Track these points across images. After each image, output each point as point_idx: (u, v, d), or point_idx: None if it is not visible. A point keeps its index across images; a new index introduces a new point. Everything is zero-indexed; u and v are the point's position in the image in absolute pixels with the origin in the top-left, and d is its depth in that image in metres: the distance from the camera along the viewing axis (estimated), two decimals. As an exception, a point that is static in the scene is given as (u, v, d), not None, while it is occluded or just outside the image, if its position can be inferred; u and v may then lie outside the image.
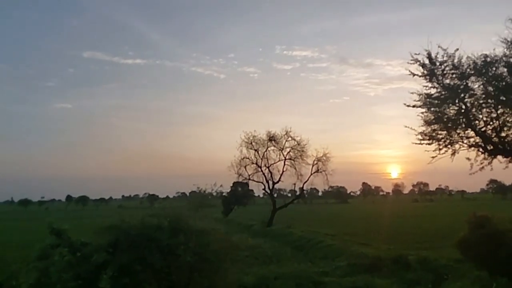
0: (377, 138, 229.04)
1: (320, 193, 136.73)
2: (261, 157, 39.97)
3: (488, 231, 12.68)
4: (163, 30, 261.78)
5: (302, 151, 38.92)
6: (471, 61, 13.83)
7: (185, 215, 10.20)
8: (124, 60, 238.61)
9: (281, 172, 40.04)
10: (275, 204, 40.67)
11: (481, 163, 15.03)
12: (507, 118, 14.34)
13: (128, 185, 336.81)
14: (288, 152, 39.46)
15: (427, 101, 14.69)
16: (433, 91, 14.59)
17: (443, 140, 14.90)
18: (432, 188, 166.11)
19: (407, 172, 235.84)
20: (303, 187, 42.03)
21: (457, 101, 14.43)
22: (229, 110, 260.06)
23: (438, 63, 14.19)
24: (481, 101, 14.34)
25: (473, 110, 14.54)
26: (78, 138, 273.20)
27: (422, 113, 15.01)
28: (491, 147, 14.65)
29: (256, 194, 70.19)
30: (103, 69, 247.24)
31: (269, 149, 39.87)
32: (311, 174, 39.24)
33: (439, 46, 13.99)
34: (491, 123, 14.54)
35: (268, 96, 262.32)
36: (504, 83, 13.49)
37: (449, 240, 15.66)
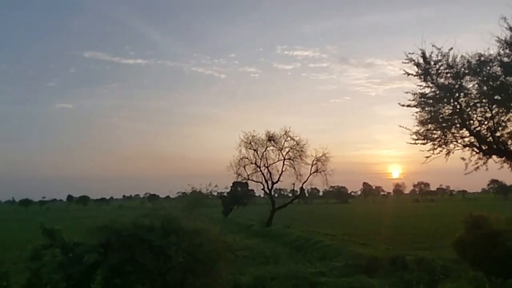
0: (378, 138, 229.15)
1: (320, 193, 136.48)
2: (260, 157, 39.98)
3: (484, 231, 12.65)
4: (164, 30, 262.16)
5: (301, 151, 38.93)
6: (465, 61, 13.81)
7: (177, 215, 10.17)
8: (125, 60, 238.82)
9: (280, 172, 40.10)
10: (274, 204, 40.64)
11: (476, 163, 15.02)
12: (502, 118, 14.30)
13: (129, 185, 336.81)
14: (287, 152, 39.48)
15: (422, 100, 14.67)
16: (427, 90, 14.60)
17: (437, 140, 14.87)
18: (433, 188, 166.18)
19: (408, 172, 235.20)
20: (302, 187, 42.05)
21: (451, 100, 14.39)
22: (229, 110, 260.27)
23: (432, 63, 14.18)
24: (475, 101, 14.31)
25: (468, 109, 14.49)
26: (79, 138, 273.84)
27: (417, 112, 15.03)
28: (486, 147, 14.62)
29: (257, 194, 70.08)
30: (104, 69, 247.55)
31: (268, 149, 39.89)
32: (310, 174, 39.23)
33: (433, 45, 14.00)
34: (485, 122, 14.51)
35: (268, 96, 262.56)
36: (498, 83, 13.43)
37: (448, 240, 15.63)
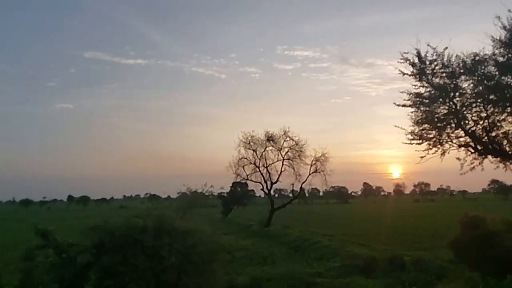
0: (378, 138, 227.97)
1: (321, 193, 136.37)
2: (259, 157, 40.02)
3: (480, 231, 12.62)
4: (164, 30, 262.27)
5: (301, 151, 38.96)
6: (460, 60, 13.75)
7: (170, 216, 10.16)
8: (125, 60, 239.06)
9: (279, 172, 40.14)
10: (273, 204, 40.62)
11: (472, 163, 14.97)
12: (497, 118, 14.21)
13: (129, 185, 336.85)
14: (287, 152, 39.53)
15: (417, 100, 14.61)
16: (422, 90, 14.55)
17: (433, 140, 14.82)
18: (433, 188, 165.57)
19: (408, 172, 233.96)
20: (301, 187, 42.04)
21: (446, 100, 14.33)
22: (229, 110, 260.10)
23: (428, 62, 14.12)
24: (471, 100, 14.23)
25: (463, 109, 14.42)
26: (79, 138, 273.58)
27: (412, 112, 14.97)
28: (481, 147, 14.57)
29: (257, 194, 70.10)
30: (104, 69, 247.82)
31: (267, 149, 39.94)
32: (310, 174, 39.29)
33: (428, 45, 13.95)
34: (480, 122, 14.44)
35: (269, 96, 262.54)
36: (493, 82, 13.37)
37: (446, 240, 15.60)
